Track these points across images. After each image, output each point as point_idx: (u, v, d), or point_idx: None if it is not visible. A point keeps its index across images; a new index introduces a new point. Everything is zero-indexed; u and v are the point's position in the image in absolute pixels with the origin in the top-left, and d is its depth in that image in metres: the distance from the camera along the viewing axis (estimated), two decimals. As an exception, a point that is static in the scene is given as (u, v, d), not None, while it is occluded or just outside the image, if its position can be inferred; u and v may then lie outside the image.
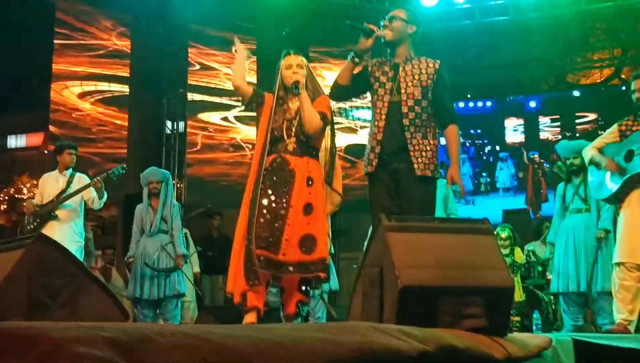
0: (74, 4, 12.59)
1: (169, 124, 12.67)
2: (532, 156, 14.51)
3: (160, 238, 7.49)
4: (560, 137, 14.03)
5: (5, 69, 13.59)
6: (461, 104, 13.82)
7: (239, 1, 12.45)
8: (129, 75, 12.64)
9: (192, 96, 12.98)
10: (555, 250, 7.11)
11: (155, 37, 12.11)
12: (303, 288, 4.72)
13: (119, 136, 12.65)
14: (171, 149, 12.51)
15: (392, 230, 3.24)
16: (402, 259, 3.09)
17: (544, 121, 14.95)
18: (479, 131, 15.34)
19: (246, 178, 4.82)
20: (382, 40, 4.61)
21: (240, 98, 4.99)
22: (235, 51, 4.94)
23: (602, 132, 6.03)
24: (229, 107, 13.21)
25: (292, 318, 4.76)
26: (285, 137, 4.68)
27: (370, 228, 5.68)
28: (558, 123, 14.77)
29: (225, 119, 13.23)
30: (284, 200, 4.57)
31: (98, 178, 7.17)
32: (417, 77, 4.56)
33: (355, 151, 13.20)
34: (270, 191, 4.58)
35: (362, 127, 13.19)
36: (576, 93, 13.34)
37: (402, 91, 4.53)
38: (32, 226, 7.06)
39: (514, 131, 15.30)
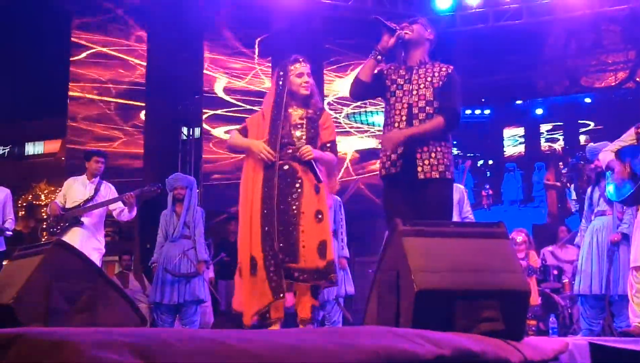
0: (91, 12, 12.69)
1: (184, 130, 12.72)
2: (578, 162, 13.46)
3: (182, 243, 7.53)
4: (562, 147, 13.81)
5: (22, 77, 13.70)
6: (467, 111, 13.53)
7: (253, 7, 12.49)
8: (144, 82, 12.71)
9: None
10: (580, 252, 7.09)
11: (170, 43, 12.17)
12: (315, 291, 4.75)
13: (135, 143, 12.72)
14: (187, 155, 12.56)
15: (407, 234, 3.25)
16: (418, 263, 3.09)
17: (546, 128, 14.59)
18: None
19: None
20: (401, 40, 4.62)
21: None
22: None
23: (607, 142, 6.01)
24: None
25: (308, 322, 4.78)
26: (291, 144, 4.71)
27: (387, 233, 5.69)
28: (561, 131, 14.39)
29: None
30: (294, 207, 4.59)
31: (132, 193, 7.16)
32: (429, 79, 4.56)
33: (369, 155, 13.23)
34: (281, 199, 4.61)
35: (379, 131, 13.22)
36: (587, 100, 13.13)
37: (414, 93, 4.54)
38: (56, 229, 7.07)
39: (514, 142, 14.96)
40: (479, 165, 15.12)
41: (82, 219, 7.10)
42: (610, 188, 5.57)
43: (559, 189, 13.79)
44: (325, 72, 13.00)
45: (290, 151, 4.69)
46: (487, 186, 14.56)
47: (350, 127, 13.58)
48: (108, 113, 12.73)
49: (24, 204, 13.91)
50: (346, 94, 13.29)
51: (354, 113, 13.36)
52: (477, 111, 14.18)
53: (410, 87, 4.58)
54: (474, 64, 12.78)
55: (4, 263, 6.16)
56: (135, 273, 10.51)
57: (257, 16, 12.64)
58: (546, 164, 14.30)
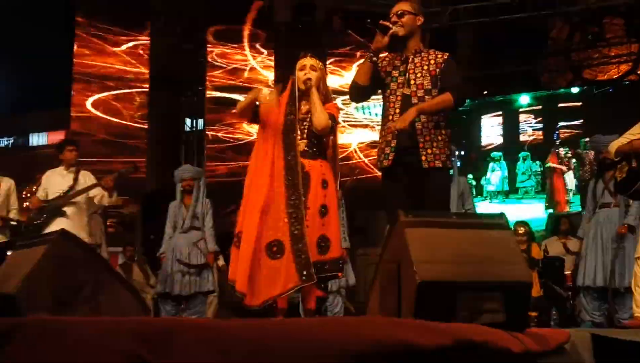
0: (94, 4, 12.69)
1: (187, 121, 12.73)
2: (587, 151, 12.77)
3: (191, 234, 7.55)
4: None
5: (26, 68, 13.71)
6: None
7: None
8: (148, 73, 12.71)
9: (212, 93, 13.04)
10: (584, 244, 7.09)
11: (173, 35, 12.16)
12: (321, 284, 4.78)
13: (138, 134, 12.73)
14: (190, 146, 12.57)
15: (409, 225, 3.25)
16: (420, 254, 3.10)
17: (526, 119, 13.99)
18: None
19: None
20: (395, 37, 4.61)
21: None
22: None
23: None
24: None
25: (313, 313, 4.81)
26: (299, 138, 4.73)
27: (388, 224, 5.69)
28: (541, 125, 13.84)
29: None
30: (301, 203, 4.62)
31: (110, 177, 7.20)
32: (425, 67, 4.53)
33: (371, 147, 13.24)
34: (295, 192, 4.63)
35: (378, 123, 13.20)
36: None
37: (412, 82, 4.53)
38: (38, 222, 7.10)
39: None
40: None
41: (65, 209, 7.13)
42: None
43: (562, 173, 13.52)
44: (327, 64, 13.00)
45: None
46: (471, 176, 13.81)
47: (352, 120, 13.59)
48: (112, 104, 12.73)
49: (28, 195, 13.91)
50: (341, 86, 13.35)
51: (355, 106, 13.36)
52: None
53: (406, 77, 4.57)
54: (476, 56, 12.76)
55: (8, 253, 6.17)
56: (138, 264, 10.53)
57: (260, 8, 12.64)
58: (532, 153, 13.83)
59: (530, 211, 13.46)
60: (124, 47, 12.80)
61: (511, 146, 14.00)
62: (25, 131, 16.40)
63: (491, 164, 14.13)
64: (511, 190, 13.97)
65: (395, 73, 4.61)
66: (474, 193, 13.19)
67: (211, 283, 7.60)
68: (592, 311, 6.95)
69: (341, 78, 13.43)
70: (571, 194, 13.23)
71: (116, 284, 4.09)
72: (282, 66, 12.09)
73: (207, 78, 12.99)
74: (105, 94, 12.75)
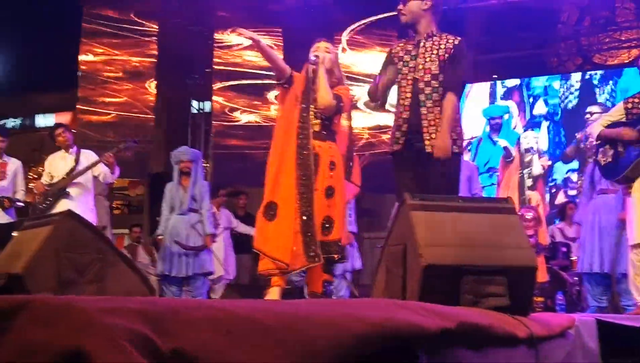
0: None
1: (195, 103, 12.73)
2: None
3: (190, 216, 7.57)
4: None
5: (33, 49, 13.70)
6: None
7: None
8: (156, 55, 12.70)
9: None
10: (582, 230, 7.09)
11: (181, 16, 12.14)
12: (327, 267, 4.81)
13: (145, 117, 12.74)
14: (197, 128, 12.57)
15: (416, 208, 3.25)
16: (426, 237, 3.10)
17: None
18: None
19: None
20: (402, 24, 4.63)
21: (275, 74, 5.08)
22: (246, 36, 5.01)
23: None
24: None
25: (319, 296, 4.85)
26: (312, 118, 4.77)
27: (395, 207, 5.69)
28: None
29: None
30: (312, 184, 4.67)
31: (109, 153, 7.24)
32: (435, 52, 4.53)
33: (380, 131, 13.20)
34: (305, 172, 4.67)
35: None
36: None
37: (420, 66, 4.53)
38: (44, 205, 7.13)
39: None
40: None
41: (68, 190, 7.15)
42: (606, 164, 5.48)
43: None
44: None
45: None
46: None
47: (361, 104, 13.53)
48: (118, 86, 12.73)
49: (35, 176, 13.95)
50: (360, 70, 13.31)
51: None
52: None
53: (417, 62, 4.57)
54: (485, 40, 12.68)
55: (14, 233, 6.21)
56: (144, 246, 10.56)
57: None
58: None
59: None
60: (131, 28, 12.77)
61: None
62: (31, 113, 16.42)
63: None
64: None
65: (407, 58, 4.62)
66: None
67: (210, 265, 7.64)
68: (597, 296, 6.95)
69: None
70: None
71: (122, 265, 4.09)
72: (292, 46, 12.04)
73: (215, 61, 12.97)
74: (112, 77, 12.74)
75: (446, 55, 4.51)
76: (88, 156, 7.39)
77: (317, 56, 4.84)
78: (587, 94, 11.53)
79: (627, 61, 12.36)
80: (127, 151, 7.46)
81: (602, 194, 6.96)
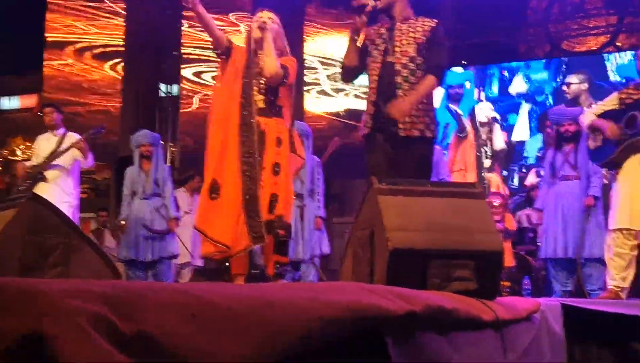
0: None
1: (162, 87, 12.62)
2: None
3: (153, 201, 7.51)
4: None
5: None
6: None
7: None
8: (123, 37, 12.56)
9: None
10: (544, 216, 7.15)
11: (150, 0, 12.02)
12: (279, 247, 4.75)
13: (112, 100, 12.61)
14: (165, 112, 12.47)
15: (383, 192, 3.25)
16: (393, 222, 3.10)
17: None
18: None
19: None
20: (374, 11, 4.58)
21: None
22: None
23: None
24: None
25: (271, 279, 4.81)
26: (255, 94, 4.71)
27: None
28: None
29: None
30: (258, 162, 4.60)
31: (80, 138, 7.19)
32: (412, 35, 4.50)
33: (351, 115, 13.20)
34: (248, 151, 4.61)
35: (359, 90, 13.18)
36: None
37: (397, 49, 4.50)
38: (23, 187, 7.07)
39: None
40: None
41: (46, 173, 7.09)
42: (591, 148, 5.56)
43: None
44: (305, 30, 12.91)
45: (251, 102, 4.70)
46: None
47: (331, 88, 13.53)
48: (85, 69, 12.59)
49: (0, 160, 13.80)
50: (328, 54, 13.29)
51: (334, 73, 13.29)
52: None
53: (389, 45, 4.54)
54: (456, 26, 12.71)
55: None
56: (111, 230, 10.48)
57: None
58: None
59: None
60: (98, 9, 12.63)
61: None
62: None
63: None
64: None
65: (379, 41, 4.58)
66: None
67: (175, 248, 7.62)
68: (561, 281, 7.03)
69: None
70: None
71: (87, 249, 4.05)
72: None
73: (182, 44, 12.87)
74: (80, 57, 12.59)
75: (424, 38, 4.48)
76: (71, 139, 7.32)
77: (264, 22, 4.76)
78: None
79: (595, 48, 12.47)
80: (95, 137, 7.39)
81: (564, 180, 7.03)
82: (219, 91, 4.95)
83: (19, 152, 15.11)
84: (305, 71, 12.60)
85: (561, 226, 6.92)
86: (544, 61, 12.38)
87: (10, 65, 13.60)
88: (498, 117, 9.94)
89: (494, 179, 9.16)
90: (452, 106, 8.77)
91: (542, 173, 7.96)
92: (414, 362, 2.30)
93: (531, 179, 9.80)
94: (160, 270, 7.52)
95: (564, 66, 11.93)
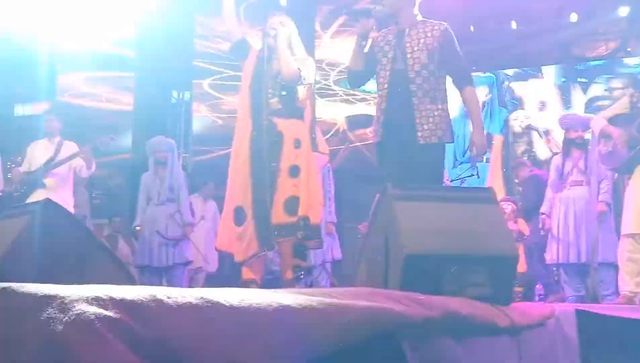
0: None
1: (174, 93, 12.64)
2: None
3: (168, 207, 7.53)
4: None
5: (10, 35, 13.55)
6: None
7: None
8: (135, 43, 12.60)
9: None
10: (554, 221, 7.12)
11: (162, 4, 12.03)
12: (298, 251, 4.72)
13: (125, 105, 12.65)
14: (177, 118, 12.48)
15: (397, 198, 3.25)
16: (407, 227, 3.10)
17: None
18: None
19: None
20: (381, 16, 4.56)
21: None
22: None
23: None
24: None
25: (290, 283, 4.77)
26: (270, 96, 4.68)
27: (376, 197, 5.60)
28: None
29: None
30: (274, 164, 4.57)
31: (86, 148, 7.19)
32: (422, 40, 4.46)
33: (361, 121, 13.18)
34: (258, 156, 4.59)
35: (362, 99, 13.17)
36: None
37: (408, 56, 4.46)
38: (18, 194, 7.07)
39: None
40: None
41: (45, 181, 7.10)
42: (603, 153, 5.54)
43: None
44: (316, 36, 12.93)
45: (267, 104, 4.68)
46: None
47: (341, 93, 13.52)
48: (97, 75, 12.63)
49: (13, 165, 13.81)
50: (335, 58, 13.27)
51: (342, 78, 13.28)
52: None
53: (400, 52, 4.51)
54: (465, 32, 12.67)
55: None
56: (124, 236, 10.50)
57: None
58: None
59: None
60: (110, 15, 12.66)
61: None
62: (9, 101, 16.25)
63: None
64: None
65: (387, 48, 4.55)
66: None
67: (189, 254, 7.62)
68: (575, 285, 7.00)
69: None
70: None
71: (100, 254, 4.06)
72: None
73: (195, 49, 12.89)
74: (91, 64, 12.64)
75: (435, 44, 4.45)
76: (69, 148, 7.33)
77: (273, 29, 4.76)
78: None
79: (605, 53, 12.42)
80: (103, 146, 7.40)
81: (574, 186, 7.01)
82: (239, 97, 4.96)
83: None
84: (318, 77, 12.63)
85: (572, 231, 6.90)
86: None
87: (24, 72, 13.66)
88: (536, 125, 9.90)
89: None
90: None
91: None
92: (430, 367, 2.30)
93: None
94: (174, 275, 7.52)
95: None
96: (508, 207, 8.53)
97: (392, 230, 3.15)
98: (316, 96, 12.48)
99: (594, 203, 6.80)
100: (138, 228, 7.58)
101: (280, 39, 4.68)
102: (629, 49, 12.31)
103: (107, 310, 1.45)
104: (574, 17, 11.80)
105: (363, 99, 13.47)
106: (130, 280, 4.28)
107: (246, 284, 4.68)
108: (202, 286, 8.80)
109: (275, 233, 4.52)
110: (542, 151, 10.03)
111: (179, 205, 7.56)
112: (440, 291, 3.02)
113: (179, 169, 7.79)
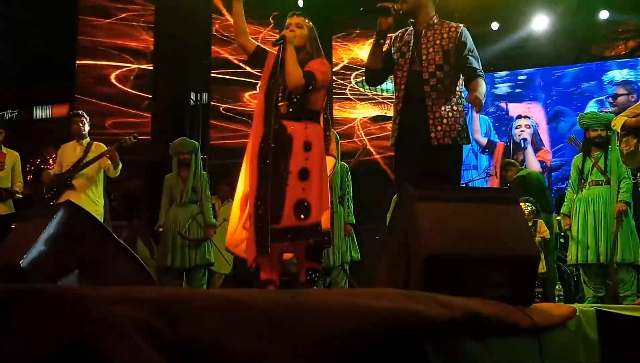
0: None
1: (192, 95, 12.69)
2: None
3: (190, 208, 7.57)
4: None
5: (30, 39, 13.64)
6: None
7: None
8: (153, 45, 12.65)
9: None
10: (573, 222, 7.09)
11: (179, 7, 12.09)
12: (312, 253, 4.71)
13: (143, 108, 12.69)
14: (195, 120, 12.53)
15: (417, 199, 3.24)
16: (428, 228, 3.09)
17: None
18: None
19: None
20: (399, 14, 4.54)
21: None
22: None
23: None
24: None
25: (304, 286, 4.76)
26: (280, 100, 4.68)
27: (392, 199, 5.62)
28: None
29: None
30: (283, 167, 4.57)
31: (111, 147, 7.25)
32: (438, 42, 4.46)
33: (376, 122, 13.17)
34: (271, 160, 4.59)
35: (385, 98, 13.15)
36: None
37: (424, 57, 4.46)
38: (49, 195, 7.14)
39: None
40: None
41: (74, 182, 7.15)
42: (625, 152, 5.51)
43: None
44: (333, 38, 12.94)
45: (277, 108, 4.68)
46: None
47: (357, 94, 13.51)
48: (116, 78, 12.68)
49: (32, 168, 13.93)
50: (351, 62, 13.28)
51: (361, 80, 13.27)
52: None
53: (415, 52, 4.51)
54: (481, 31, 12.63)
55: (13, 225, 6.20)
56: (143, 238, 10.54)
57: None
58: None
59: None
60: (128, 18, 12.72)
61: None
62: (28, 104, 16.36)
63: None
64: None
65: (404, 49, 4.55)
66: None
67: (210, 255, 7.65)
68: (595, 286, 6.97)
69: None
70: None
71: (122, 255, 4.08)
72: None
73: (212, 51, 12.92)
74: (110, 65, 12.69)
75: (450, 45, 4.45)
76: (97, 148, 7.40)
77: (284, 36, 4.74)
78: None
79: (624, 53, 12.35)
80: (128, 146, 7.45)
81: (594, 185, 6.97)
82: (256, 103, 4.98)
83: (51, 161, 15.24)
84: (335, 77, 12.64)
85: (592, 231, 6.87)
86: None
87: (43, 74, 13.75)
88: (528, 138, 9.96)
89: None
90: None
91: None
92: (452, 368, 2.30)
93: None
94: (195, 277, 7.55)
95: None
96: (527, 207, 8.50)
97: (412, 230, 3.14)
98: (333, 98, 12.52)
99: (614, 202, 6.77)
100: (161, 229, 7.62)
101: (288, 49, 4.66)
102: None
103: (134, 311, 1.46)
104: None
105: (381, 100, 13.46)
106: (150, 282, 4.29)
107: (264, 284, 4.68)
108: (220, 287, 8.83)
109: (289, 235, 4.51)
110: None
111: (201, 207, 7.59)
112: (460, 292, 3.02)
113: (202, 171, 7.82)
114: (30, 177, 9.24)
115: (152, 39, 12.60)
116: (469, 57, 4.47)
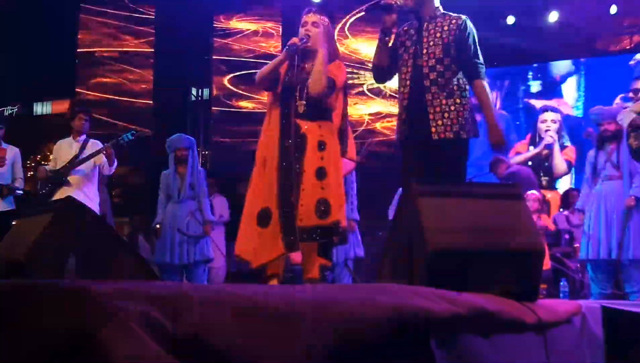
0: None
1: (193, 90, 12.67)
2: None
3: (188, 204, 7.54)
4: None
5: (31, 36, 13.63)
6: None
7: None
8: (154, 41, 12.64)
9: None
10: (586, 217, 7.05)
11: (180, 2, 12.07)
12: (324, 250, 4.69)
13: (144, 104, 12.68)
14: (196, 116, 12.52)
15: (422, 194, 3.21)
16: (432, 223, 3.07)
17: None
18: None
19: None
20: (402, 10, 4.51)
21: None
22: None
23: None
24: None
25: (316, 282, 4.75)
26: (298, 99, 4.65)
27: (397, 194, 5.59)
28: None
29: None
30: (297, 166, 4.55)
31: (108, 144, 7.22)
32: (439, 35, 4.41)
33: (380, 117, 13.15)
34: (286, 158, 4.57)
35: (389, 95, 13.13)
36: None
37: (424, 51, 4.43)
38: (44, 191, 7.12)
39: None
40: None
41: (69, 178, 7.14)
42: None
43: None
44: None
45: (294, 106, 4.65)
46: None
47: (366, 89, 13.49)
48: (117, 73, 12.68)
49: (33, 164, 13.93)
50: (358, 56, 13.25)
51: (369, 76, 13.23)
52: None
53: (418, 47, 4.47)
54: (483, 24, 12.57)
55: (14, 222, 6.19)
56: (145, 235, 10.53)
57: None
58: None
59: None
60: (129, 14, 12.71)
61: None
62: (29, 100, 16.36)
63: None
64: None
65: (408, 43, 4.52)
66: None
67: (210, 252, 7.63)
68: (602, 283, 6.93)
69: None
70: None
71: (123, 252, 4.06)
72: (291, 30, 11.98)
73: (214, 46, 12.90)
74: (111, 62, 12.68)
75: (450, 37, 4.41)
76: (94, 145, 7.38)
77: (307, 36, 4.69)
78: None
79: (629, 47, 12.30)
80: (126, 143, 7.42)
81: (607, 180, 6.93)
82: (272, 101, 4.92)
83: (51, 157, 15.17)
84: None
85: (604, 227, 6.82)
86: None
87: (43, 70, 13.74)
88: (554, 135, 9.90)
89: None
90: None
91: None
92: (458, 364, 2.28)
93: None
94: (195, 273, 7.54)
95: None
96: (535, 203, 8.48)
97: (417, 225, 3.12)
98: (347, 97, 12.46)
99: (627, 197, 6.73)
100: (158, 226, 7.59)
101: (321, 50, 4.61)
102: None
103: (139, 306, 1.44)
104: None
105: (389, 96, 13.44)
106: (153, 278, 4.28)
107: (268, 279, 4.67)
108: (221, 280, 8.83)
109: (305, 236, 4.50)
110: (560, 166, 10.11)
111: (199, 203, 7.57)
112: (465, 287, 3.00)
113: (199, 167, 7.80)
114: (30, 173, 9.21)
115: (153, 36, 12.59)
116: (468, 50, 4.43)
